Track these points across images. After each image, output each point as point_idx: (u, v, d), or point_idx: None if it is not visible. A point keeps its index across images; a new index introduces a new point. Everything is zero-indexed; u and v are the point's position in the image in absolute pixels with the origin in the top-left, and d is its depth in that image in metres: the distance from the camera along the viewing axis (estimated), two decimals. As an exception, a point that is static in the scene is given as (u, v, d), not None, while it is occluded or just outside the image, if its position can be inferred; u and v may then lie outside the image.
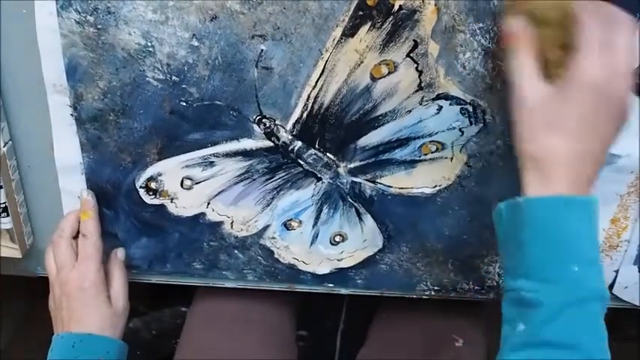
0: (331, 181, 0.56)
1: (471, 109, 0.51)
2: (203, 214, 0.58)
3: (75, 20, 0.47)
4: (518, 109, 0.41)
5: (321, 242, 0.60)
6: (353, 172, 0.55)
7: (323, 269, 0.62)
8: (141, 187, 0.56)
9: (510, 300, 0.42)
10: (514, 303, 0.41)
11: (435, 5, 0.46)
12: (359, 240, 0.60)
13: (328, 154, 0.54)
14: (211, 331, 0.68)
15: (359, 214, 0.58)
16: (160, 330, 0.99)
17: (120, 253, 0.59)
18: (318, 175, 0.55)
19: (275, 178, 0.56)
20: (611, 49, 0.38)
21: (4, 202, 0.55)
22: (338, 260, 0.61)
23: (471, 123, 0.51)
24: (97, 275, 0.55)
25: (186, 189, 0.56)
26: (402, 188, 0.56)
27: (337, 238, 0.60)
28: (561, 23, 0.41)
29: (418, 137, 0.53)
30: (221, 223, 0.58)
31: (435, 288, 0.63)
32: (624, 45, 0.39)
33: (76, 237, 0.56)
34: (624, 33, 0.39)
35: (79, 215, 0.56)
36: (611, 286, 0.62)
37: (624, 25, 0.39)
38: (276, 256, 0.61)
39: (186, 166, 0.55)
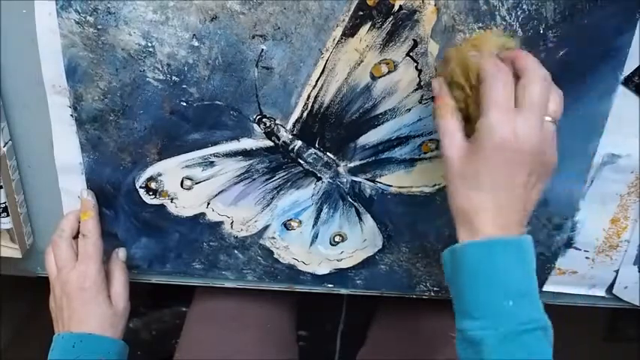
0: (331, 181, 0.56)
1: (470, 108, 0.51)
2: (203, 214, 0.58)
3: (75, 20, 0.47)
4: (445, 166, 0.43)
5: (320, 242, 0.60)
6: (353, 172, 0.55)
7: (323, 269, 0.62)
8: (141, 187, 0.56)
9: (461, 340, 0.44)
10: (464, 343, 0.43)
11: (435, 5, 0.46)
12: (359, 240, 0.60)
13: (328, 153, 0.54)
14: (211, 331, 0.68)
15: (359, 214, 0.58)
16: (160, 330, 0.99)
17: (121, 253, 0.59)
18: (318, 175, 0.56)
19: (275, 178, 0.56)
20: (520, 104, 0.40)
21: (4, 202, 0.55)
22: (338, 260, 0.61)
23: (470, 122, 0.52)
24: (98, 275, 0.55)
25: (186, 189, 0.56)
26: (401, 187, 0.56)
27: (337, 238, 0.60)
28: (472, 84, 0.42)
29: (418, 136, 0.53)
30: (221, 223, 0.58)
31: (435, 288, 0.63)
32: (534, 99, 0.40)
33: (76, 237, 0.56)
34: (533, 86, 0.40)
35: (79, 215, 0.56)
36: (611, 286, 0.63)
37: (534, 77, 0.40)
38: (275, 256, 0.61)
39: (187, 166, 0.55)
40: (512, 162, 0.41)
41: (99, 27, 0.47)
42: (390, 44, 0.48)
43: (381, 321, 0.75)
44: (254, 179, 0.56)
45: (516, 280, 0.42)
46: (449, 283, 0.45)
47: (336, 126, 0.52)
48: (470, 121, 0.43)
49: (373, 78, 0.50)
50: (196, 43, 0.48)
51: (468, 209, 0.42)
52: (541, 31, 0.47)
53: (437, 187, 0.55)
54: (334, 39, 0.48)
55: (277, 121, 0.52)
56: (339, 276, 0.62)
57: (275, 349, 0.68)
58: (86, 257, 0.54)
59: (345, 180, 0.56)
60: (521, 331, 0.41)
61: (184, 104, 0.51)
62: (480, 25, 0.47)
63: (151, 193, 0.56)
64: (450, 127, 0.43)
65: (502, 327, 0.41)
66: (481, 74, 0.41)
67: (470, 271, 0.42)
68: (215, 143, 0.53)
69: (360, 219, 0.58)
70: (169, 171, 0.55)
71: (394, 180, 0.55)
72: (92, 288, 0.54)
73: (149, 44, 0.48)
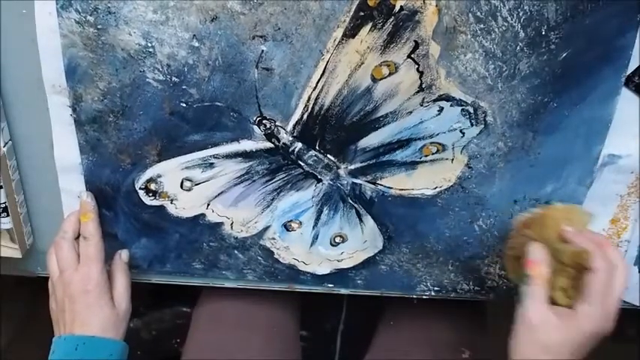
0: (331, 183, 0.56)
1: (471, 110, 0.51)
2: (203, 215, 0.58)
3: (75, 20, 0.47)
4: (521, 327, 0.48)
5: (321, 243, 0.60)
6: (353, 174, 0.55)
7: (323, 270, 0.62)
8: (140, 188, 0.56)
9: None
10: None
11: (436, 6, 0.46)
12: (359, 241, 0.59)
13: (329, 155, 0.54)
14: (217, 332, 0.68)
15: (359, 215, 0.58)
16: (160, 330, 0.99)
17: (124, 255, 0.59)
18: (319, 177, 0.55)
19: (275, 180, 0.55)
20: (609, 296, 0.46)
21: (4, 202, 0.55)
22: (338, 261, 0.61)
23: (471, 124, 0.51)
24: (101, 277, 0.54)
25: (186, 190, 0.56)
26: (402, 189, 0.56)
27: (337, 239, 0.60)
28: (576, 267, 0.48)
29: (419, 138, 0.53)
30: (221, 224, 0.58)
31: (435, 289, 0.63)
32: (619, 290, 0.46)
33: (77, 238, 0.56)
34: (621, 278, 0.46)
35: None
36: (611, 287, 0.62)
37: (622, 270, 0.47)
38: (275, 256, 0.61)
39: (186, 168, 0.55)
40: (592, 342, 0.47)
41: (99, 27, 0.47)
42: (391, 46, 0.47)
43: (387, 329, 0.74)
44: (254, 181, 0.55)
45: None
46: None
47: (336, 128, 0.52)
48: (553, 288, 0.49)
49: (374, 80, 0.49)
50: (196, 44, 0.48)
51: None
52: (543, 32, 0.47)
53: (438, 189, 0.55)
54: (335, 40, 0.47)
55: (277, 123, 0.52)
56: (339, 276, 0.62)
57: (280, 349, 0.69)
58: (88, 260, 0.54)
59: (345, 182, 0.56)
60: None
61: (184, 105, 0.51)
62: (482, 25, 0.47)
63: (150, 195, 0.56)
64: (539, 294, 0.48)
65: None
66: (590, 263, 0.46)
67: None
68: (215, 145, 0.53)
69: (361, 220, 0.58)
70: (169, 172, 0.55)
71: (395, 182, 0.55)
72: (95, 290, 0.54)
73: (149, 44, 0.48)
